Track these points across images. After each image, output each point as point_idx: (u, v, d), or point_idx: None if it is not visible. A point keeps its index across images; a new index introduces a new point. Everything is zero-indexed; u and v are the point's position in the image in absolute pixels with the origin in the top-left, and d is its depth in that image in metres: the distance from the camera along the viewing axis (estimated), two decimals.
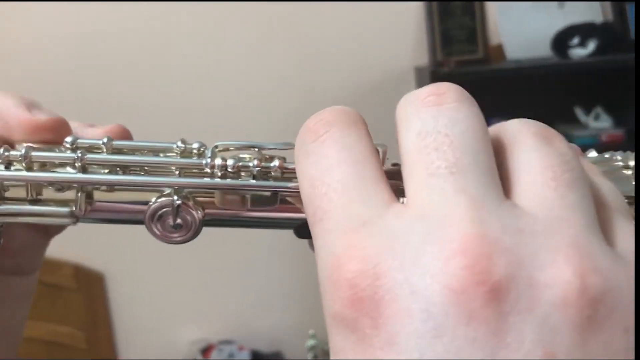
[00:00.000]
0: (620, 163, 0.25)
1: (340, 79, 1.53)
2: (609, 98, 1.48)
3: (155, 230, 0.22)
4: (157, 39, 1.55)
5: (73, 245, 1.61)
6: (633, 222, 0.20)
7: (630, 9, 1.43)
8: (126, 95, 1.54)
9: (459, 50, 1.49)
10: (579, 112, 1.49)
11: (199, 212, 0.21)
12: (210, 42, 1.55)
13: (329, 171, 0.18)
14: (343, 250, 0.16)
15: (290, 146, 0.21)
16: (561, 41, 1.42)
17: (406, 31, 1.55)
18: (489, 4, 1.51)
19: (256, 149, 0.21)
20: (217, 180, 0.21)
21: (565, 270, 0.15)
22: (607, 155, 0.25)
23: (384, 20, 1.53)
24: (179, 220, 0.21)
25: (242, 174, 0.21)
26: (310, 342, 1.53)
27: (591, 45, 1.40)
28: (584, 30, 1.42)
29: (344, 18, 1.53)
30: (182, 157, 0.22)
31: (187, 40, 1.55)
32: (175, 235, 0.22)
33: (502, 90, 1.51)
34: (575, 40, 1.41)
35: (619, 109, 1.46)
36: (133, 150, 0.22)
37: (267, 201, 0.21)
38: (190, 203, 0.21)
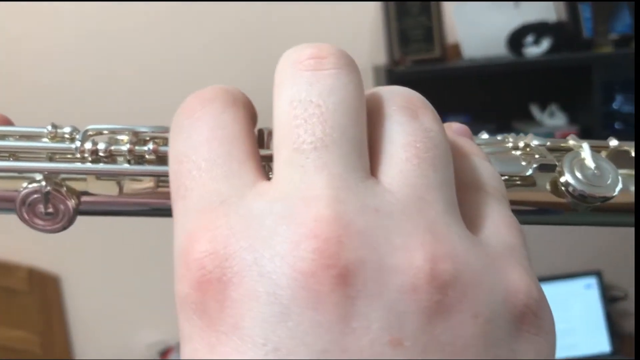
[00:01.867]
0: (511, 144, 0.25)
1: None
2: (564, 96, 1.50)
3: (27, 218, 0.21)
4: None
5: (27, 247, 1.58)
6: (507, 206, 0.20)
7: (583, 8, 1.46)
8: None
9: (416, 49, 1.50)
10: (535, 110, 1.51)
11: (73, 200, 0.20)
12: (166, 40, 1.54)
13: (197, 148, 0.17)
14: (196, 229, 0.16)
15: (165, 129, 0.20)
16: (516, 40, 1.44)
17: (364, 31, 1.55)
18: (445, 4, 1.51)
19: (131, 132, 0.20)
20: (89, 165, 0.20)
21: (416, 255, 0.15)
22: (499, 137, 0.25)
23: (341, 20, 1.53)
24: (50, 209, 0.20)
25: (119, 158, 0.20)
26: None
27: (545, 44, 1.42)
28: (538, 29, 1.43)
29: (302, 18, 1.53)
30: (54, 141, 0.21)
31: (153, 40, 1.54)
32: (48, 224, 0.21)
33: (458, 88, 1.52)
34: (530, 39, 1.43)
35: (573, 106, 1.49)
36: (2, 136, 0.21)
37: None
38: (63, 190, 0.20)
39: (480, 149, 0.22)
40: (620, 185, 0.24)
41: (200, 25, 1.52)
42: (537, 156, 0.24)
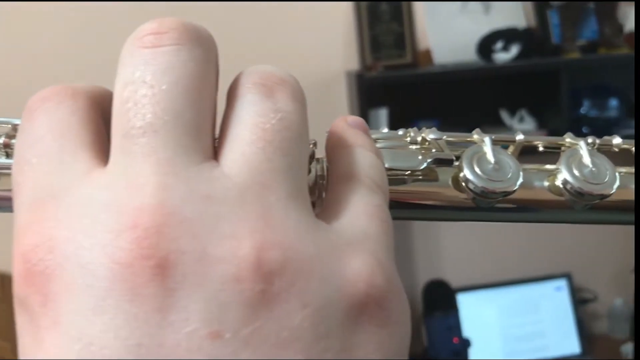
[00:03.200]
0: (409, 139, 0.25)
1: None
2: (533, 101, 1.52)
3: None
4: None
5: None
6: (379, 197, 0.19)
7: (551, 14, 1.47)
8: None
9: (388, 55, 1.51)
10: (504, 115, 1.52)
11: None
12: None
13: (32, 146, 0.17)
14: (25, 223, 0.15)
15: None
16: (486, 46, 1.45)
17: (337, 37, 1.55)
18: (417, 11, 1.52)
19: (10, 125, 0.20)
20: None
21: (244, 244, 0.14)
22: (400, 132, 0.25)
23: (314, 26, 1.53)
24: None
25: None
26: None
27: (514, 50, 1.44)
28: (507, 36, 1.45)
29: (274, 24, 1.53)
30: None
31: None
32: None
33: (429, 94, 1.53)
34: (499, 45, 1.44)
35: (542, 111, 1.50)
36: None
37: None
38: None
39: (370, 141, 0.21)
40: (520, 180, 0.24)
41: None
42: (433, 150, 0.24)
